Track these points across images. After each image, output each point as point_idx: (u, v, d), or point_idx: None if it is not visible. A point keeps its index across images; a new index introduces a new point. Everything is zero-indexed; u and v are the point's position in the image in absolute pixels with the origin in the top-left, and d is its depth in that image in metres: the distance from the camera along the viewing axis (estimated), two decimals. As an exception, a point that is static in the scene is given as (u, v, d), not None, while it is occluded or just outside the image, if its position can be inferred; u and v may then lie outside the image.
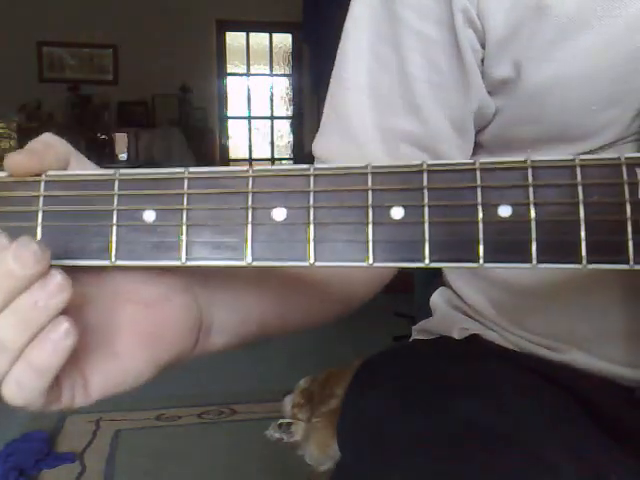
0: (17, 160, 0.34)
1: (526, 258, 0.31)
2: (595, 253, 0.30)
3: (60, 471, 1.76)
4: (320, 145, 0.58)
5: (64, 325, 0.31)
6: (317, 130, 0.60)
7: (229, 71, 5.79)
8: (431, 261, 0.32)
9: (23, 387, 0.31)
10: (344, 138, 0.55)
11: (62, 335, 0.31)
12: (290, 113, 6.02)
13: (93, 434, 2.01)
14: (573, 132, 0.50)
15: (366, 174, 0.33)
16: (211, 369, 2.53)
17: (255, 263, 0.33)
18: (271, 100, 5.99)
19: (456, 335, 0.63)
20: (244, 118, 5.95)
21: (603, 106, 0.48)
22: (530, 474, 0.41)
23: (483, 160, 0.32)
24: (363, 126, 0.54)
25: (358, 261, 0.33)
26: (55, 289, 0.31)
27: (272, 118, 6.01)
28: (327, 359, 2.29)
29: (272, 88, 5.99)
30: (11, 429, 1.95)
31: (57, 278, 0.31)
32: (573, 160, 0.31)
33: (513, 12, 0.49)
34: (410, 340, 0.70)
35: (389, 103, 0.54)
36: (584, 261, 0.30)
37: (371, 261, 0.32)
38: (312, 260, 0.33)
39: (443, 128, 0.54)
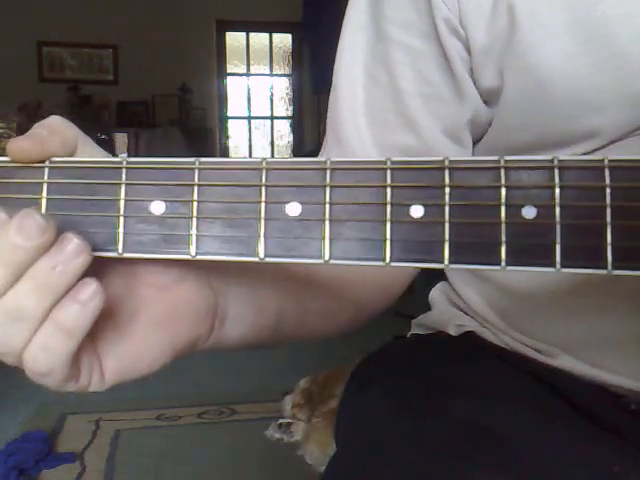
0: (20, 146, 0.33)
1: (549, 262, 0.30)
2: (621, 259, 0.29)
3: (60, 471, 1.76)
4: None
5: (92, 285, 0.31)
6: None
7: (229, 71, 5.79)
8: (450, 262, 0.31)
9: (50, 350, 0.31)
10: (344, 156, 0.56)
11: (90, 295, 0.31)
12: (290, 113, 6.02)
13: (93, 434, 2.01)
14: (561, 138, 0.50)
15: (385, 169, 0.32)
16: (211, 369, 2.53)
17: (268, 259, 0.32)
18: (271, 100, 5.99)
19: (451, 331, 0.63)
20: (244, 118, 5.95)
21: (584, 113, 0.47)
22: (531, 472, 0.41)
23: (508, 158, 0.31)
24: (362, 144, 0.55)
25: (375, 260, 0.31)
26: (73, 251, 0.30)
27: (272, 118, 6.01)
28: (327, 359, 2.29)
29: (272, 88, 5.99)
30: (11, 429, 1.95)
31: (74, 241, 0.31)
32: (602, 161, 0.30)
33: (493, 21, 0.49)
34: (408, 334, 0.70)
35: (384, 119, 0.55)
36: (609, 267, 0.29)
37: (388, 260, 0.31)
38: (327, 257, 0.32)
39: (438, 139, 0.54)
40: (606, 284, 0.49)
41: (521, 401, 0.51)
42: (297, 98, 5.93)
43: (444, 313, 0.66)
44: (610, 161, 0.30)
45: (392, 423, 0.50)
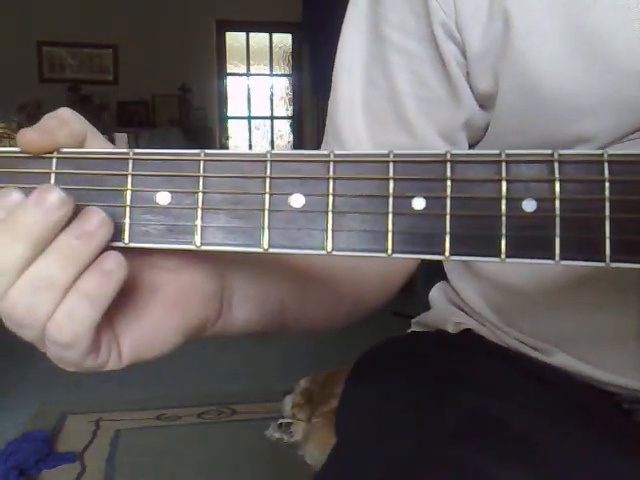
0: (29, 138, 0.33)
1: (549, 255, 0.30)
2: (619, 252, 0.30)
3: (60, 471, 1.76)
4: None
5: (117, 256, 0.32)
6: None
7: (229, 71, 5.79)
8: (451, 254, 0.31)
9: (75, 318, 0.32)
10: None
11: (115, 265, 0.32)
12: (290, 113, 6.02)
13: (93, 434, 2.01)
14: (554, 142, 0.50)
15: (388, 162, 0.32)
16: (211, 369, 2.54)
17: (271, 250, 0.33)
18: (271, 100, 6.00)
19: (450, 329, 0.63)
20: (244, 118, 5.95)
21: (576, 117, 0.48)
22: (533, 461, 0.41)
23: (509, 151, 0.31)
24: (359, 144, 0.56)
25: (377, 252, 0.32)
26: (97, 222, 0.32)
27: (272, 118, 6.01)
28: (327, 359, 2.29)
29: (272, 88, 5.99)
30: (11, 429, 1.95)
31: (98, 213, 0.32)
32: (601, 155, 0.30)
33: (489, 26, 0.49)
34: (408, 332, 0.71)
35: (381, 120, 0.56)
36: (607, 259, 0.30)
37: (390, 252, 0.32)
38: (329, 249, 0.32)
39: (433, 141, 0.55)
40: (601, 281, 0.49)
41: (520, 395, 0.51)
42: (297, 98, 5.93)
43: (443, 312, 0.67)
44: (609, 155, 0.30)
45: (391, 416, 0.50)
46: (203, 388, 2.39)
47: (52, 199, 0.31)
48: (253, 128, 6.00)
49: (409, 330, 0.71)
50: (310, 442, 1.80)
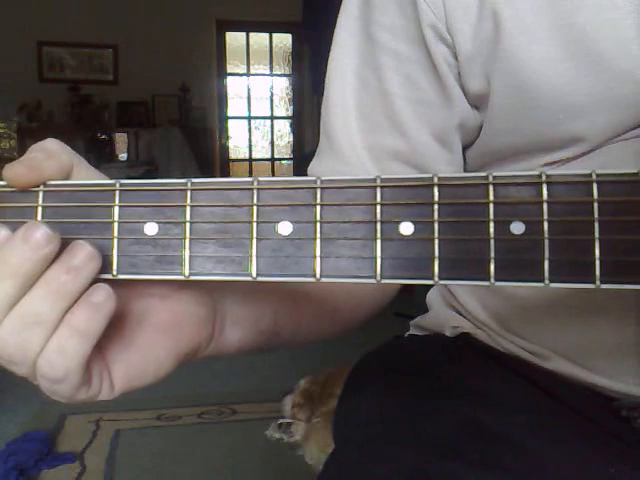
0: (16, 172, 0.33)
1: (538, 277, 0.30)
2: (609, 273, 0.29)
3: (60, 471, 1.76)
4: (315, 168, 0.60)
5: (105, 289, 0.32)
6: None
7: (229, 71, 5.78)
8: (440, 279, 0.31)
9: (66, 353, 0.31)
10: (337, 160, 0.57)
11: (104, 298, 0.32)
12: (290, 113, 6.02)
13: (93, 434, 2.01)
14: (547, 142, 0.50)
15: (375, 187, 0.32)
16: (211, 369, 2.53)
17: (260, 278, 0.33)
18: (271, 100, 5.99)
19: (447, 332, 0.63)
20: (244, 118, 5.95)
21: (568, 117, 0.48)
22: (528, 472, 0.41)
23: (496, 174, 0.31)
24: (353, 147, 0.56)
25: (366, 277, 0.32)
26: (85, 257, 0.32)
27: (272, 118, 6.01)
28: (327, 359, 2.29)
29: (272, 88, 5.99)
30: (11, 429, 1.95)
31: (86, 247, 0.32)
32: (589, 175, 0.30)
33: (479, 26, 0.49)
34: (406, 335, 0.71)
35: (374, 123, 0.55)
36: (597, 281, 0.30)
37: (379, 278, 0.32)
38: (318, 275, 0.32)
39: (427, 143, 0.55)
40: (599, 289, 0.48)
41: (517, 403, 0.51)
42: (297, 98, 5.93)
43: (441, 315, 0.66)
44: (598, 175, 0.30)
45: (389, 423, 0.50)
46: (203, 388, 2.39)
47: (38, 235, 0.31)
48: (253, 128, 6.00)
49: (408, 333, 0.71)
50: (310, 442, 1.80)
